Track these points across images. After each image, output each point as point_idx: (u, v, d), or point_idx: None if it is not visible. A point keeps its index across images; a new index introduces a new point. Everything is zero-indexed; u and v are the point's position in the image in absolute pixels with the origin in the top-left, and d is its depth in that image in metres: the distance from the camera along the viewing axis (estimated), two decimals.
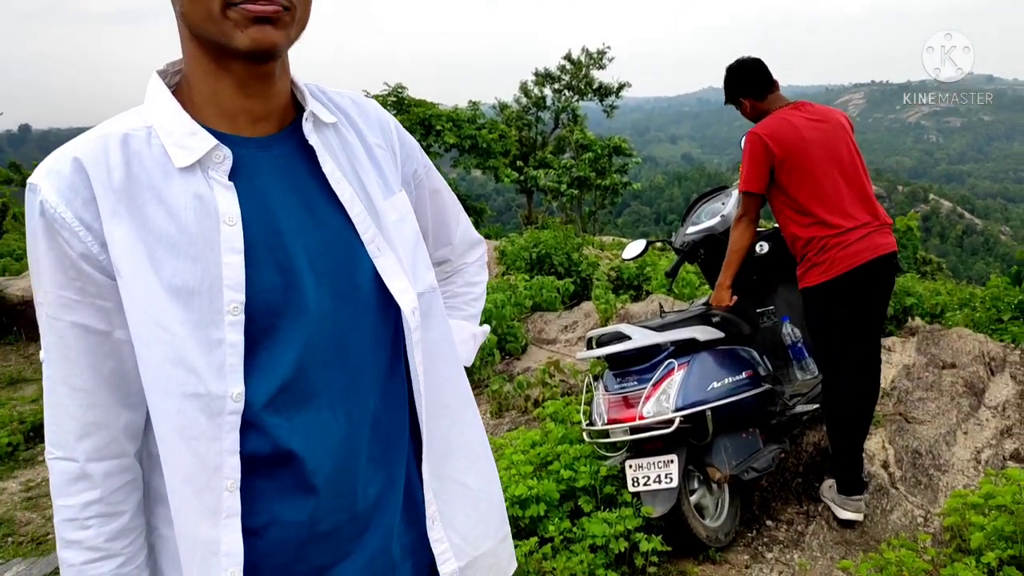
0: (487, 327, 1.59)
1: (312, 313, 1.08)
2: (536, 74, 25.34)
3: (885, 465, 3.90)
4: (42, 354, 1.07)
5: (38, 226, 1.00)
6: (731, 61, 3.80)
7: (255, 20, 0.98)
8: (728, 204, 4.12)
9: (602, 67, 25.12)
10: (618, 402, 3.40)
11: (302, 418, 1.07)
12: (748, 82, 3.70)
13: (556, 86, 25.16)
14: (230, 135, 1.07)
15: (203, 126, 1.05)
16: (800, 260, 3.47)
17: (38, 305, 1.05)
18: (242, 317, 1.02)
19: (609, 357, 3.50)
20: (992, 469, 3.69)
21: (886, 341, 5.36)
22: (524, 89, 25.21)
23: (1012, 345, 5.50)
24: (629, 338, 3.39)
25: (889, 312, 5.73)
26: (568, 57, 25.15)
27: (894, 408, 4.45)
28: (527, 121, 24.54)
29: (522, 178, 21.40)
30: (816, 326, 3.54)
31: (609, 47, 24.85)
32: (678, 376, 3.30)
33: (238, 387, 1.02)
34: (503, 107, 24.83)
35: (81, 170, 1.00)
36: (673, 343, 3.43)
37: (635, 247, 4.20)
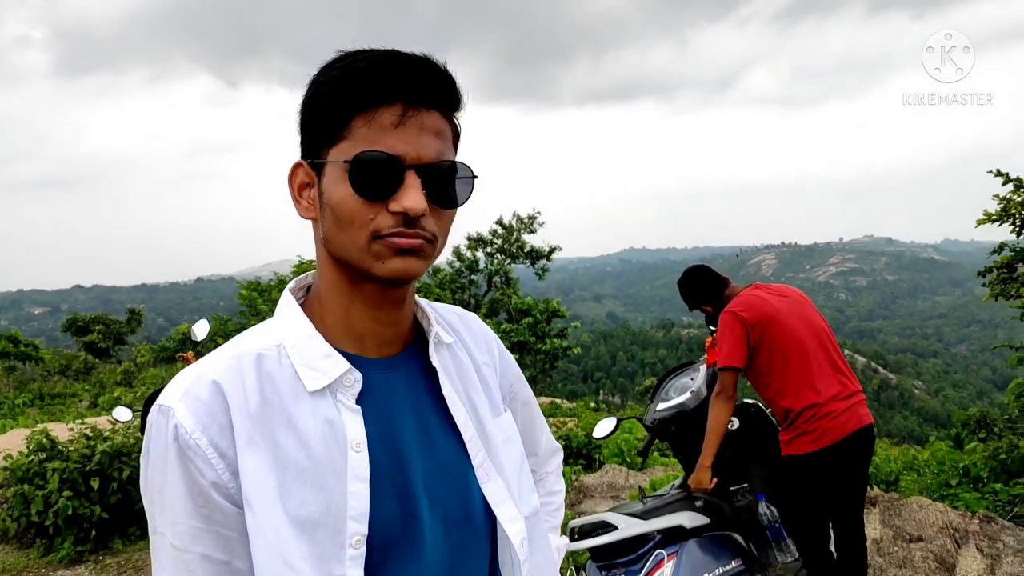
0: (566, 538, 1.54)
1: (427, 545, 1.04)
2: (469, 238, 25.91)
3: None
4: None
5: (171, 452, 0.95)
6: (681, 275, 3.93)
7: (399, 252, 0.99)
8: (697, 379, 4.09)
9: (533, 231, 25.86)
10: None
11: None
12: (704, 292, 3.82)
13: (489, 250, 25.70)
14: (357, 356, 1.07)
15: (333, 347, 1.05)
16: (787, 428, 3.44)
17: (159, 535, 0.98)
18: (364, 550, 0.97)
19: (593, 549, 3.33)
20: None
21: None
22: (457, 253, 25.67)
23: (970, 514, 5.50)
24: (614, 527, 3.24)
25: None
26: (500, 222, 25.86)
27: None
28: (461, 284, 24.83)
29: None
30: (800, 496, 3.48)
31: (539, 212, 25.72)
32: (668, 569, 3.14)
33: None
34: (436, 271, 25.13)
35: (220, 394, 0.98)
36: (660, 531, 3.28)
37: (606, 425, 4.10)
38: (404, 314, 1.12)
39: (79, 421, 7.08)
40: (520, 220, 25.55)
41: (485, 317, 23.37)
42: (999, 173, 7.29)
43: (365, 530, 0.97)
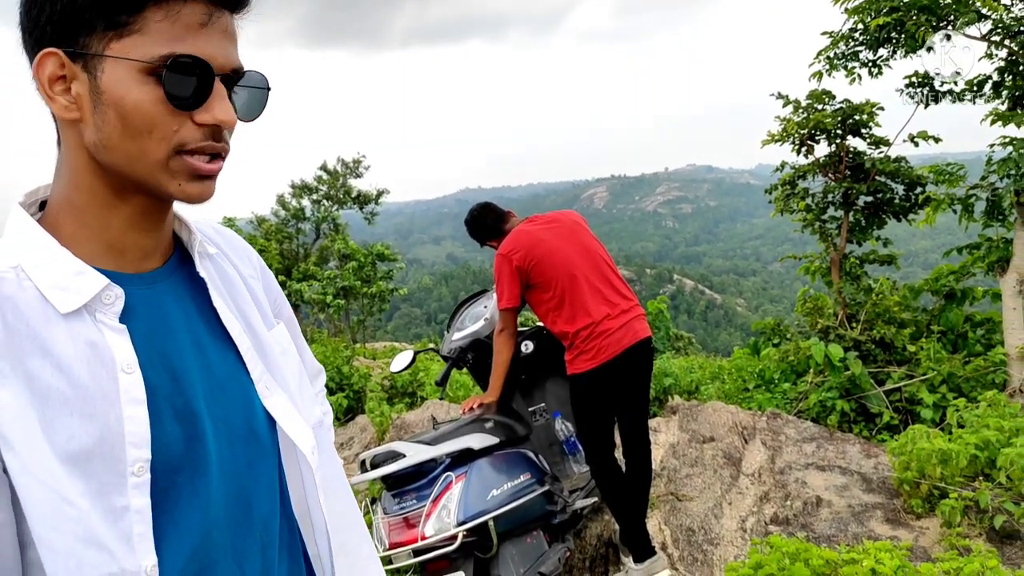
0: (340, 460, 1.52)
1: (213, 465, 0.97)
2: (293, 186, 25.03)
3: (664, 547, 4.02)
4: None
5: None
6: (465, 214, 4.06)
7: (199, 177, 0.93)
8: (490, 306, 4.19)
9: (359, 175, 25.29)
10: (399, 524, 3.26)
11: None
12: (487, 229, 3.96)
13: (315, 196, 24.93)
14: (115, 272, 0.96)
15: (86, 263, 0.93)
16: (568, 348, 3.60)
17: None
18: (148, 477, 0.89)
19: (385, 478, 3.37)
20: (757, 538, 3.90)
21: (651, 422, 5.62)
22: (282, 202, 24.78)
23: (759, 413, 5.96)
24: (403, 455, 3.29)
25: (651, 394, 6.06)
26: (324, 167, 25.14)
27: (665, 488, 4.63)
28: (287, 234, 24.02)
29: (286, 293, 20.81)
30: (584, 411, 3.65)
31: (364, 156, 25.15)
32: (457, 489, 3.23)
33: (150, 559, 0.88)
34: (261, 221, 24.16)
35: None
36: (449, 455, 3.36)
37: (402, 359, 4.14)
38: (168, 222, 1.03)
39: None
40: (345, 165, 24.91)
41: (315, 265, 22.85)
42: (780, 95, 7.77)
43: (147, 455, 0.89)
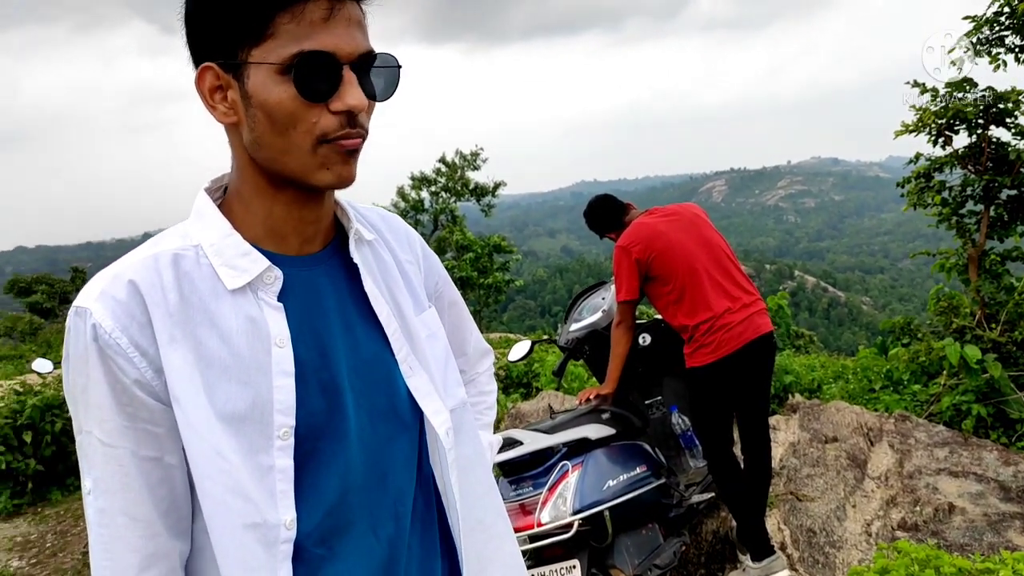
0: (499, 436, 1.59)
1: (352, 436, 1.08)
2: (413, 178, 25.62)
3: (783, 547, 3.92)
4: (87, 485, 1.00)
5: (90, 351, 0.96)
6: (586, 203, 4.05)
7: (346, 154, 1.00)
8: (608, 298, 4.18)
9: (476, 168, 25.66)
10: (515, 510, 3.31)
11: (343, 547, 1.07)
12: (606, 220, 3.94)
13: (433, 188, 25.48)
14: (278, 254, 1.08)
15: (253, 245, 1.06)
16: (688, 342, 3.55)
17: (84, 434, 0.99)
18: (291, 441, 1.01)
19: (502, 464, 3.42)
20: (883, 542, 3.75)
21: (771, 420, 5.48)
22: (401, 193, 25.42)
23: (886, 414, 5.73)
24: (520, 443, 3.33)
25: (771, 391, 5.91)
26: (443, 160, 25.60)
27: (785, 487, 4.51)
28: None
29: None
30: (703, 405, 3.60)
31: (482, 148, 25.49)
32: (573, 478, 3.25)
33: (290, 514, 1.01)
34: None
35: (136, 294, 0.98)
36: (565, 444, 3.38)
37: (520, 348, 4.18)
38: (325, 210, 1.12)
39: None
40: (463, 157, 25.32)
41: None
42: (916, 83, 7.40)
43: (292, 422, 1.01)
